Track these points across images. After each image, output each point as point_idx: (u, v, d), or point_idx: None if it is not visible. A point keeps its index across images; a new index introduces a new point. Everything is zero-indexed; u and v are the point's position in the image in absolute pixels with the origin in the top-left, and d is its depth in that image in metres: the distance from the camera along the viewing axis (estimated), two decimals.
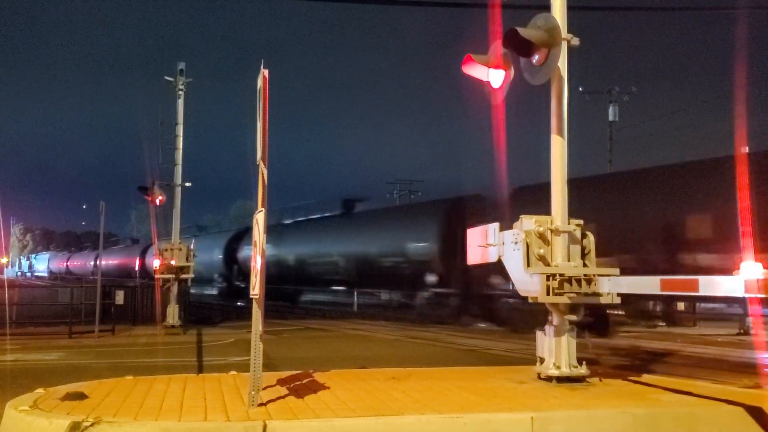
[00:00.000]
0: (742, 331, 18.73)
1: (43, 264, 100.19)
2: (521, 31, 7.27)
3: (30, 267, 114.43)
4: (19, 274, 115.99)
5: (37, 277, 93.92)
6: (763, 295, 5.32)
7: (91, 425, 5.23)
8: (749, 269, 5.43)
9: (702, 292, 5.88)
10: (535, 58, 7.48)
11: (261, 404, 5.92)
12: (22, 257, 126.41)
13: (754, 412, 5.99)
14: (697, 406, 6.30)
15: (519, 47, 7.37)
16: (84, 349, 14.86)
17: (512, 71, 7.68)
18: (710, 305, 21.99)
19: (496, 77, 7.83)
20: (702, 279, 5.91)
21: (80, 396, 6.25)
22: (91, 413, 5.54)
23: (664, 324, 21.07)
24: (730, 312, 21.23)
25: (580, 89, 35.45)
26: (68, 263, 78.90)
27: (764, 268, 5.37)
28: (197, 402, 6.15)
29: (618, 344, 15.53)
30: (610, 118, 36.84)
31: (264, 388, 6.34)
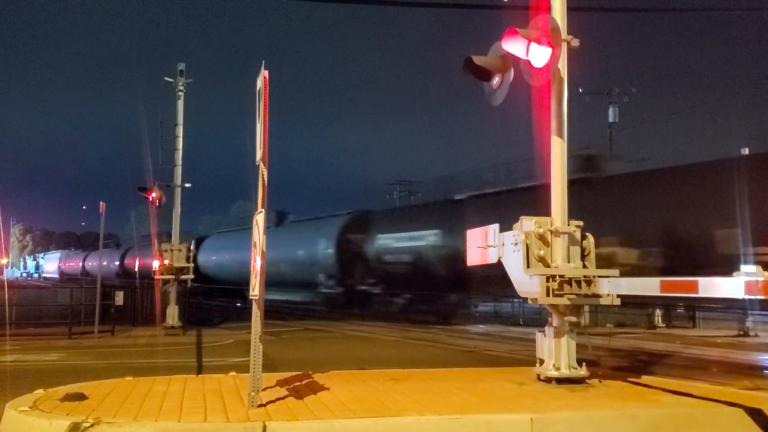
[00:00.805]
0: (741, 332, 18.74)
1: (52, 264, 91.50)
2: (521, 31, 7.26)
3: (37, 267, 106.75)
4: (24, 275, 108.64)
5: (45, 278, 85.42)
6: (763, 297, 5.32)
7: (91, 426, 5.23)
8: (749, 270, 5.43)
9: (702, 294, 5.87)
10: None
11: (261, 405, 5.92)
12: (28, 257, 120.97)
13: (754, 413, 5.98)
14: (696, 407, 6.29)
15: (518, 48, 7.35)
16: (84, 349, 14.86)
17: (512, 73, 7.68)
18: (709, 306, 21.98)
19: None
20: (702, 280, 5.89)
21: (80, 397, 6.25)
22: (91, 414, 5.54)
23: (664, 325, 21.14)
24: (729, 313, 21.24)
25: (580, 90, 35.44)
26: (85, 263, 69.63)
27: (764, 269, 5.37)
28: (197, 403, 6.15)
29: (618, 345, 15.52)
30: (610, 119, 36.85)
31: (264, 389, 6.33)
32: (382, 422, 5.53)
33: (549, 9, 7.67)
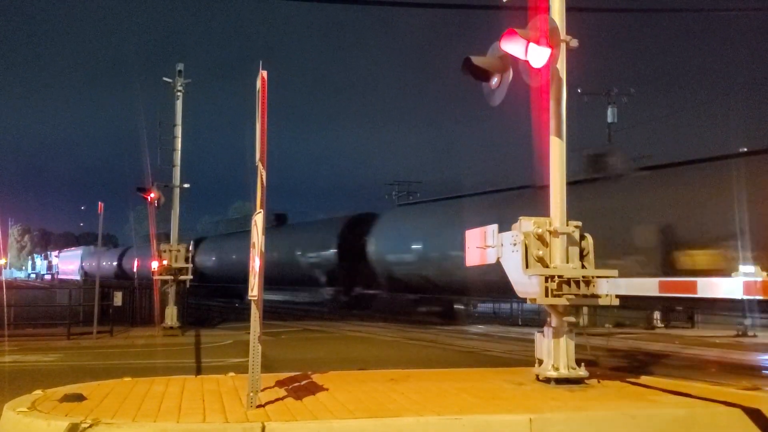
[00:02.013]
0: (740, 333, 18.76)
1: (71, 263, 77.63)
2: (519, 32, 7.26)
3: (49, 267, 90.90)
4: (32, 276, 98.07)
5: (62, 279, 69.91)
6: (762, 297, 5.32)
7: (89, 427, 5.23)
8: (748, 271, 5.43)
9: (701, 294, 5.88)
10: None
11: (259, 406, 5.92)
12: (37, 255, 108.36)
13: (752, 413, 5.99)
14: (695, 407, 6.30)
15: (517, 48, 7.36)
16: (82, 350, 14.85)
17: (510, 73, 7.69)
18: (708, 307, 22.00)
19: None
20: (700, 281, 5.90)
21: (78, 397, 6.25)
22: (90, 415, 5.53)
23: (663, 326, 21.18)
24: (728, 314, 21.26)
25: (579, 91, 35.40)
26: (122, 262, 55.63)
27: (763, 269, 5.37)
28: (196, 404, 6.14)
29: (616, 346, 15.53)
30: (609, 119, 36.82)
31: (262, 390, 6.33)
32: (381, 423, 5.53)
33: (548, 9, 7.68)
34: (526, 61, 7.41)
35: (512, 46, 7.15)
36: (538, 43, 7.10)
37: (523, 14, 7.60)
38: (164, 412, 5.79)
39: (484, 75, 7.81)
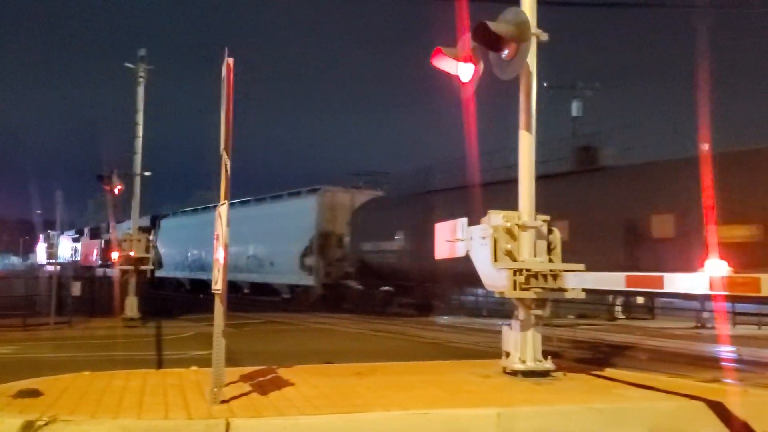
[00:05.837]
0: (699, 324, 19.16)
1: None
2: (491, 25, 7.23)
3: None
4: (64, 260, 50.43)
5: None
6: (727, 293, 5.38)
7: (46, 424, 5.05)
8: (713, 266, 5.49)
9: (667, 289, 5.93)
10: (505, 53, 7.46)
11: (224, 401, 5.79)
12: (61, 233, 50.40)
13: (715, 406, 6.07)
14: (660, 400, 6.37)
15: (488, 41, 7.33)
16: (39, 342, 14.48)
17: (482, 65, 7.65)
18: (666, 299, 22.44)
19: (465, 71, 7.79)
20: (667, 276, 5.95)
21: (34, 393, 6.05)
22: (46, 411, 5.34)
23: (624, 317, 21.55)
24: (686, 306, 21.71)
25: (545, 84, 35.56)
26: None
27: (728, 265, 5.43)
28: (157, 399, 5.99)
29: (580, 337, 15.72)
30: (574, 113, 37.07)
31: (227, 385, 6.20)
32: (348, 418, 5.46)
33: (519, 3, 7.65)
34: (498, 55, 7.38)
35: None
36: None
37: (492, 7, 7.60)
38: (125, 407, 5.63)
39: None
